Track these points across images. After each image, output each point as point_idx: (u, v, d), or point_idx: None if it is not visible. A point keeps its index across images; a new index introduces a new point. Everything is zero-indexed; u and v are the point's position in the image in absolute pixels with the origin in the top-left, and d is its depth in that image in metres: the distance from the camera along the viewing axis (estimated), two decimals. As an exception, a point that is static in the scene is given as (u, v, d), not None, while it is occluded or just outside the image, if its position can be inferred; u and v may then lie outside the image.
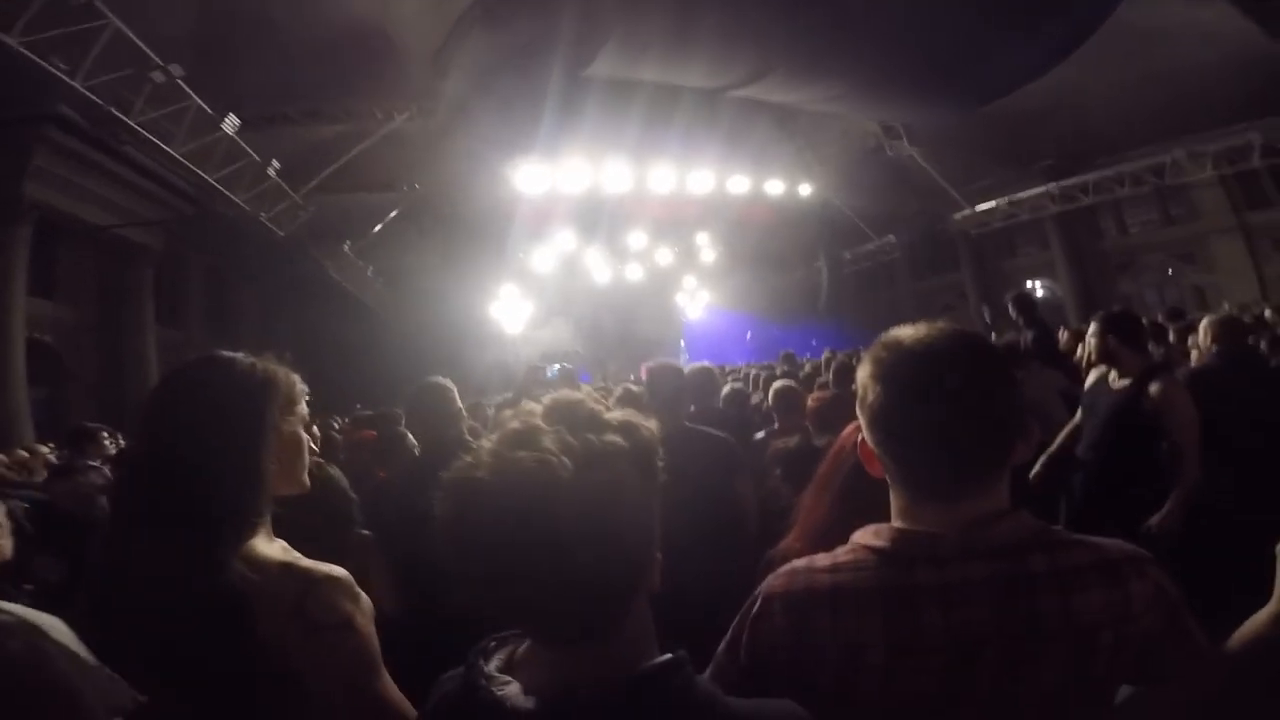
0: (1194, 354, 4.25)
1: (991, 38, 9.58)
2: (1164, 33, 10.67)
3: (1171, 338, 5.39)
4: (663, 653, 0.70)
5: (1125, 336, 2.93)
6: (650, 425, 0.71)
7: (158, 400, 1.02)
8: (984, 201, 16.98)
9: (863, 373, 0.93)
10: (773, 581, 0.94)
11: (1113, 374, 2.96)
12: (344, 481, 3.02)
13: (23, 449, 5.40)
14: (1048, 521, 0.90)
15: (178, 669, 0.86)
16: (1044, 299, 17.38)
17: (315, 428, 3.64)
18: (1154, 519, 2.65)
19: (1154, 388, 2.74)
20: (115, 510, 1.03)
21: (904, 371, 0.87)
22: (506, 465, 0.64)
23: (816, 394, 2.92)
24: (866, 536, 0.91)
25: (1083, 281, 18.24)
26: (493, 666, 0.70)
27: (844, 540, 0.95)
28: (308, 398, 1.14)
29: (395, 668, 1.04)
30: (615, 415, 0.70)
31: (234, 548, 0.92)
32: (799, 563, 0.95)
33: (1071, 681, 0.82)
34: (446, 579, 0.65)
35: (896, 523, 0.91)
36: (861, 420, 0.94)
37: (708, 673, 0.94)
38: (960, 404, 0.84)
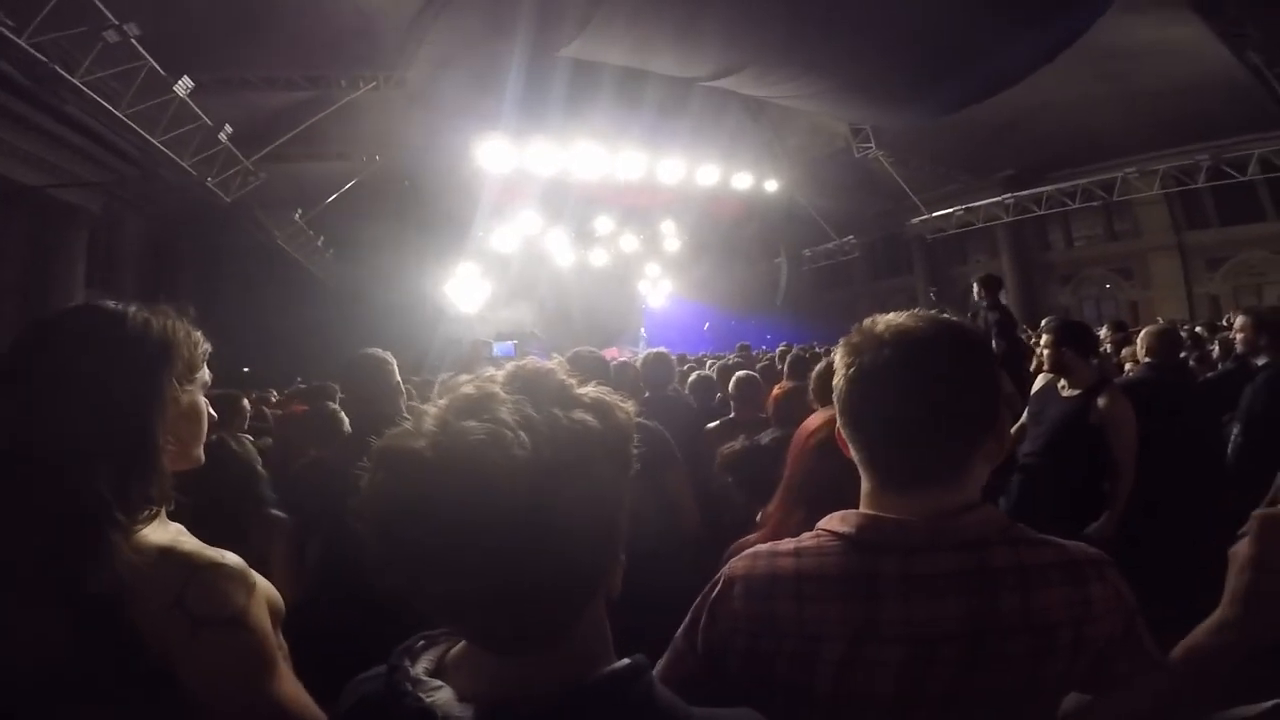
0: (1127, 366, 4.51)
1: (973, 43, 9.70)
2: (1129, 53, 11.05)
3: (1108, 348, 5.60)
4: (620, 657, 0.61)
5: (1079, 348, 3.02)
6: (628, 407, 0.61)
7: (22, 357, 0.83)
8: (941, 208, 17.44)
9: (836, 358, 0.92)
10: (735, 564, 0.91)
11: (1062, 382, 3.03)
12: (252, 454, 2.81)
13: None
14: None
15: (38, 672, 0.74)
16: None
17: (245, 400, 3.37)
18: (1092, 526, 2.76)
19: (1102, 401, 2.83)
20: None
21: (875, 358, 0.85)
22: (451, 436, 0.52)
23: (781, 384, 2.88)
24: (833, 522, 0.89)
25: (1028, 291, 18.99)
26: (420, 669, 0.60)
27: None
28: (209, 357, 0.97)
29: (315, 661, 0.94)
30: (589, 391, 0.60)
31: (114, 544, 0.77)
32: (762, 546, 0.92)
33: (1028, 682, 0.81)
34: (365, 568, 0.54)
35: (865, 509, 0.88)
36: (835, 405, 0.92)
37: (663, 659, 0.92)
38: (931, 395, 0.83)
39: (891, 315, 0.90)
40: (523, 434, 0.52)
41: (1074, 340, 3.01)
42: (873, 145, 15.57)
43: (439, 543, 0.51)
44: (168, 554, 0.80)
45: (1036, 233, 18.91)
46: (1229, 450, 2.99)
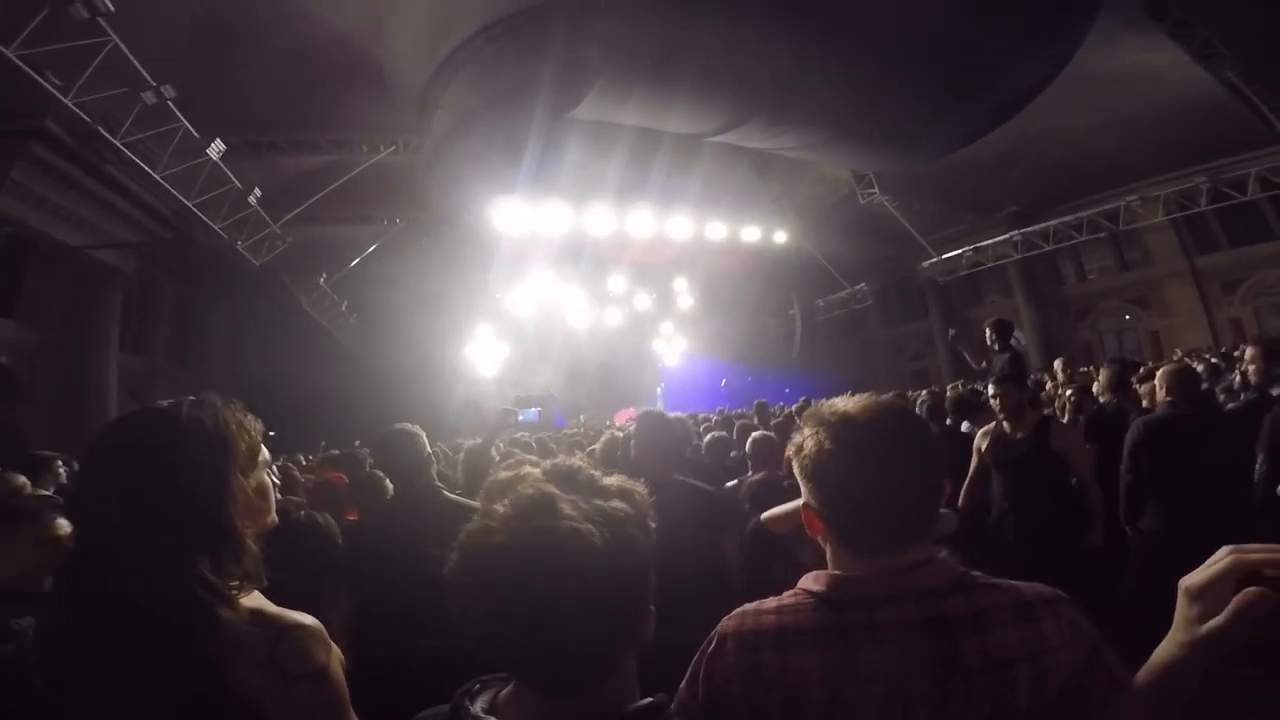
0: (1144, 402, 4.54)
1: (968, 79, 10.08)
2: (1117, 78, 11.41)
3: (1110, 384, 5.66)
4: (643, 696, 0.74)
5: (1028, 395, 3.56)
6: (641, 489, 0.77)
7: (106, 475, 0.94)
8: (950, 249, 17.64)
9: (804, 436, 1.01)
10: (726, 621, 1.01)
11: (1006, 426, 3.42)
12: (334, 530, 2.88)
13: None
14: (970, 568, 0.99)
15: None
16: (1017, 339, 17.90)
17: (274, 466, 3.47)
18: (1090, 540, 3.17)
19: (1056, 434, 3.32)
20: (69, 585, 0.91)
21: (847, 439, 0.96)
22: (539, 533, 0.66)
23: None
24: (808, 582, 1.00)
25: (1045, 328, 18.88)
26: (478, 707, 0.73)
27: None
28: (269, 436, 1.08)
29: (362, 711, 1.05)
30: (612, 481, 0.76)
31: (222, 617, 0.90)
32: (749, 605, 1.02)
33: (999, 715, 0.88)
34: (416, 622, 0.73)
35: (832, 569, 0.99)
36: (800, 480, 1.01)
37: (672, 707, 0.99)
38: (894, 475, 0.94)
39: (851, 399, 1.01)
40: (590, 525, 0.66)
41: (1023, 388, 3.52)
42: (876, 190, 15.98)
43: (526, 616, 0.64)
44: (259, 617, 0.93)
45: (1048, 268, 18.98)
46: (1255, 480, 2.97)
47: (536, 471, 0.75)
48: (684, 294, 19.42)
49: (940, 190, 16.02)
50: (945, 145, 12.42)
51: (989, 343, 5.75)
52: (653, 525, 0.75)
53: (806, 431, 1.01)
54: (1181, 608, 0.80)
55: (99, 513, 0.91)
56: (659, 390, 20.84)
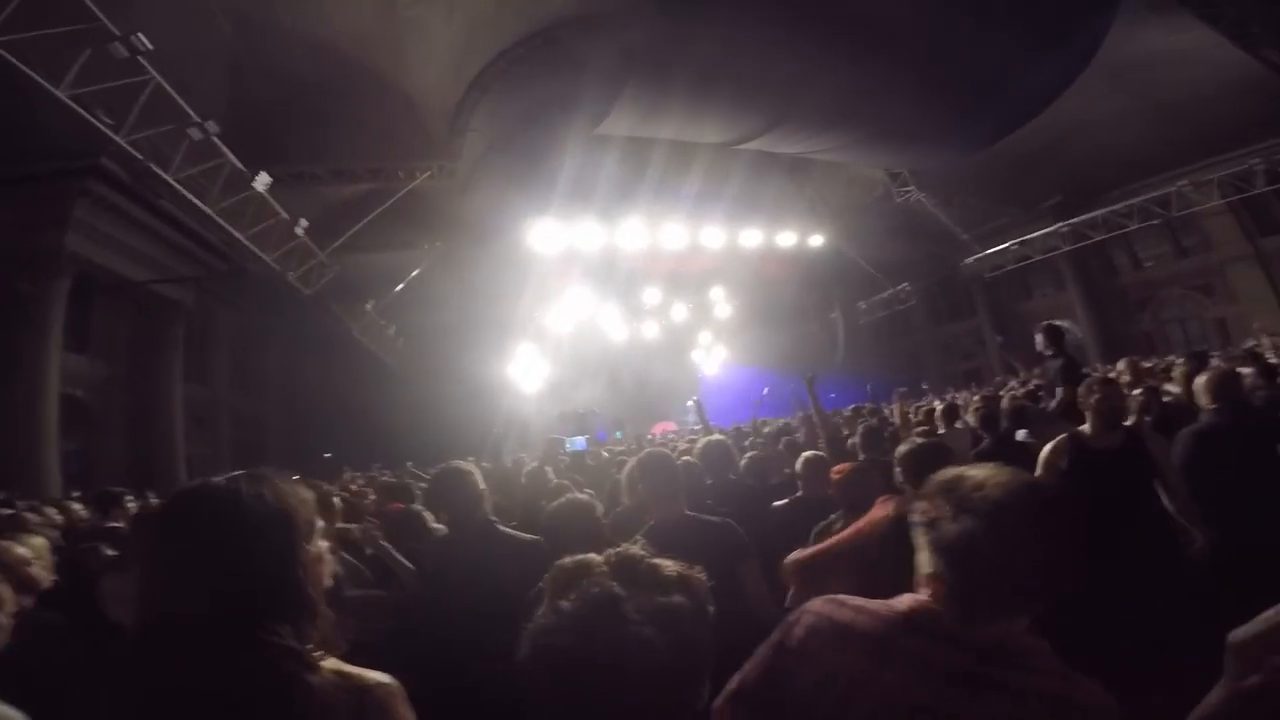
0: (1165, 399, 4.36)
1: (997, 74, 9.86)
2: (1148, 63, 11.00)
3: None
4: None
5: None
6: (700, 577, 0.82)
7: (172, 548, 0.97)
8: (995, 244, 17.14)
9: (940, 514, 1.03)
10: (813, 602, 1.12)
11: (1089, 433, 3.02)
12: (411, 571, 2.92)
13: (55, 506, 5.33)
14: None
15: None
16: (1073, 336, 17.21)
17: (335, 499, 3.58)
18: (1196, 549, 2.83)
19: (1149, 438, 2.98)
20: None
21: (998, 525, 0.98)
22: (604, 639, 0.73)
23: (841, 466, 2.81)
24: (906, 600, 1.07)
25: (1103, 321, 18.10)
26: None
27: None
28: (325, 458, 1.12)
29: None
30: (671, 570, 0.81)
31: (309, 681, 0.93)
32: (840, 596, 1.12)
33: None
34: (462, 655, 0.77)
35: (926, 598, 1.05)
36: (932, 552, 1.04)
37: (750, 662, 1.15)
38: (1026, 568, 0.97)
39: (993, 476, 1.03)
40: (652, 629, 0.73)
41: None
42: (912, 188, 15.69)
43: (592, 710, 0.72)
44: (343, 677, 0.97)
45: (1100, 258, 18.22)
46: None
47: (600, 563, 0.82)
48: (721, 303, 19.36)
49: (979, 184, 15.63)
50: (973, 141, 12.14)
51: (1041, 349, 5.62)
52: (711, 610, 0.81)
53: (943, 508, 1.03)
54: (1229, 659, 0.79)
55: (172, 588, 0.93)
56: (689, 403, 20.69)
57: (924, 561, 1.06)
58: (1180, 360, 5.97)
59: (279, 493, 1.02)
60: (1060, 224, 15.97)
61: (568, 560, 0.85)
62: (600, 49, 10.27)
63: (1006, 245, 16.84)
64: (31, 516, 4.19)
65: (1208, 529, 2.83)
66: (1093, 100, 11.76)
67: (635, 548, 0.84)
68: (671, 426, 19.87)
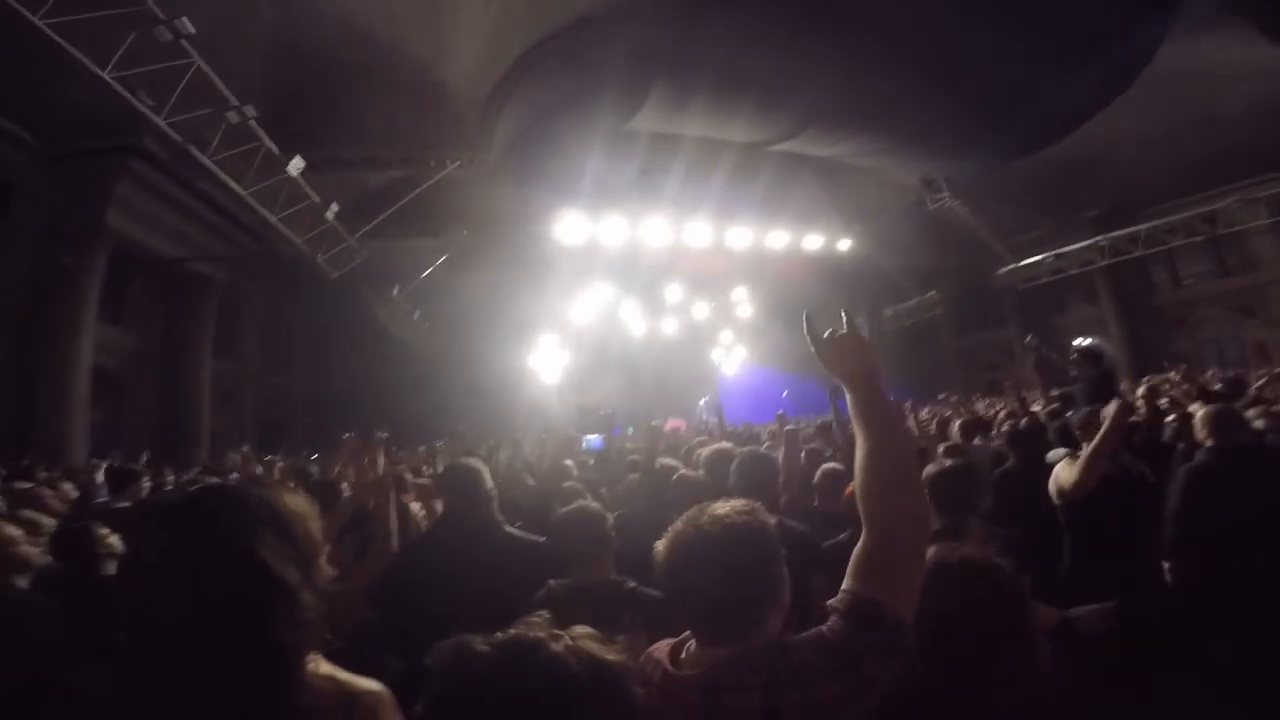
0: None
1: (1034, 83, 9.63)
2: (1207, 75, 10.63)
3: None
4: None
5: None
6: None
7: (174, 546, 0.98)
8: (1029, 255, 16.77)
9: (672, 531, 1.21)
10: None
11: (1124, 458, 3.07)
12: None
13: (73, 482, 5.41)
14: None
15: None
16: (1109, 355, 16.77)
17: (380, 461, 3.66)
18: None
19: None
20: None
21: (677, 548, 1.19)
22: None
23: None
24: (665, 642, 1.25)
25: (1136, 338, 17.62)
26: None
27: None
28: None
29: None
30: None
31: (302, 679, 0.95)
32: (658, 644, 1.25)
33: None
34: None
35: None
36: None
37: None
38: (691, 589, 1.16)
39: (715, 512, 1.19)
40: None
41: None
42: (945, 195, 15.40)
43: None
44: (333, 682, 1.00)
45: (1138, 274, 17.70)
46: None
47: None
48: (743, 303, 19.22)
49: (1016, 193, 15.28)
50: (1008, 152, 11.87)
51: (1076, 371, 5.49)
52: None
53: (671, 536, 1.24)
54: None
55: (176, 585, 0.94)
56: (701, 403, 20.51)
57: None
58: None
59: (284, 501, 1.06)
60: (1099, 237, 15.56)
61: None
62: (631, 46, 10.22)
63: (1042, 257, 16.46)
64: (47, 492, 4.24)
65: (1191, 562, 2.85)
66: (1143, 112, 11.42)
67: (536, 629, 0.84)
68: (681, 424, 19.83)
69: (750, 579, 1.11)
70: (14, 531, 2.16)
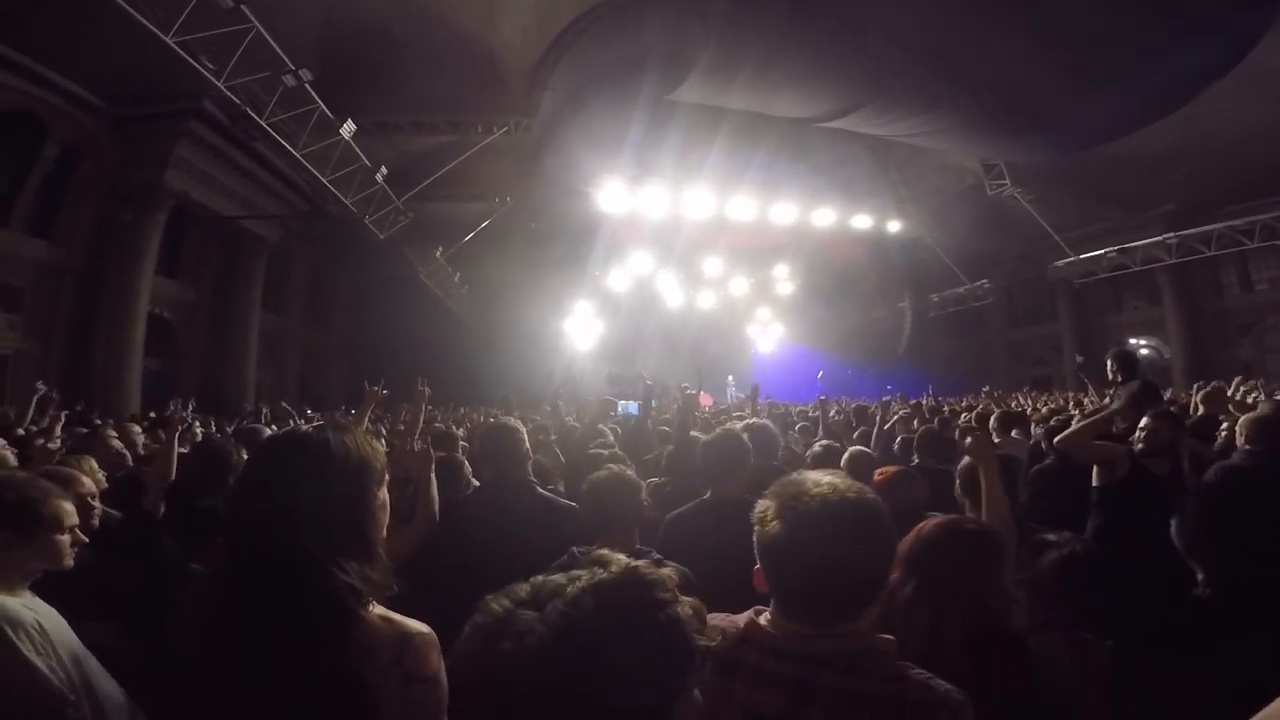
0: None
1: (1128, 58, 8.91)
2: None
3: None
4: None
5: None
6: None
7: (267, 481, 1.05)
8: (1089, 249, 16.03)
9: (769, 506, 1.09)
10: None
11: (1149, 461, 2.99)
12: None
13: (138, 426, 5.54)
14: None
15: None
16: (1146, 359, 16.05)
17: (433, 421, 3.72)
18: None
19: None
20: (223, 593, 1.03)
21: (800, 520, 1.06)
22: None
23: (884, 469, 2.71)
24: (747, 614, 1.12)
25: (1195, 343, 16.82)
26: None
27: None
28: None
29: None
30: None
31: (362, 618, 0.99)
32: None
33: None
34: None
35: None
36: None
37: None
38: (837, 559, 1.05)
39: (822, 481, 1.08)
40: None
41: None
42: (1007, 182, 14.76)
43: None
44: (388, 623, 1.02)
45: (1206, 276, 16.78)
46: None
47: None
48: (784, 280, 18.92)
49: (1083, 184, 14.53)
50: (1089, 138, 11.15)
51: (1110, 375, 5.23)
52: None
53: (770, 511, 1.11)
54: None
55: (261, 513, 1.02)
56: (730, 378, 20.28)
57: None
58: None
59: (358, 440, 1.11)
60: (1169, 234, 14.75)
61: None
62: (681, 13, 9.90)
63: (1104, 251, 15.71)
64: (110, 433, 4.26)
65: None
66: (1232, 107, 10.68)
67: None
68: (708, 400, 19.81)
69: (885, 557, 1.09)
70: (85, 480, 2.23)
